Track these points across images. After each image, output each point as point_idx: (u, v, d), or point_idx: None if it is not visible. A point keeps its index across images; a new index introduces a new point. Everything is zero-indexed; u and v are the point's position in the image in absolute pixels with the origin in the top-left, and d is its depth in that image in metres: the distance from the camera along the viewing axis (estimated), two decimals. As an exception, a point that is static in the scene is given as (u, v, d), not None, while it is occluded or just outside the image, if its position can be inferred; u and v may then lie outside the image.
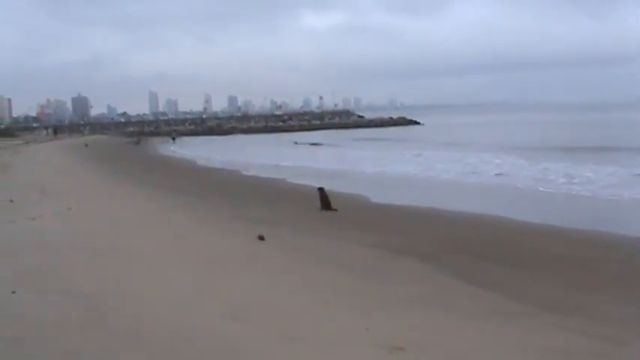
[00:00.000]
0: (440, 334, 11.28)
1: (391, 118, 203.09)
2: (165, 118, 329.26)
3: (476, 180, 40.89)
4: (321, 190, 29.01)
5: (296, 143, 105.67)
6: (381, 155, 68.33)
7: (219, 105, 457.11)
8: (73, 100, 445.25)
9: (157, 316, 11.36)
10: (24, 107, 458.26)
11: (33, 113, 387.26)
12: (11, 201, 26.79)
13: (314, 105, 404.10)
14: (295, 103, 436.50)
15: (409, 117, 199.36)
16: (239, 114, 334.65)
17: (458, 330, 11.68)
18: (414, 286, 15.15)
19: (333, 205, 28.23)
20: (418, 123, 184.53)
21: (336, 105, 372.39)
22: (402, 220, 25.58)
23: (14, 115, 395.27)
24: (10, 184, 35.29)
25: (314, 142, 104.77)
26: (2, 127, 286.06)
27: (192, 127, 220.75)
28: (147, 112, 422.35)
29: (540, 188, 35.52)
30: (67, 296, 12.35)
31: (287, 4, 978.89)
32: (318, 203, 28.46)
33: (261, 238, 20.27)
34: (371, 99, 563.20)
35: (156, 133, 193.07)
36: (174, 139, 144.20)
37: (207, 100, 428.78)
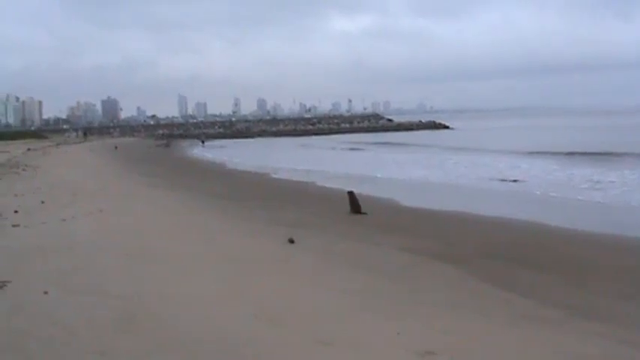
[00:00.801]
0: (472, 339, 11.20)
1: (420, 121, 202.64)
2: (195, 120, 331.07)
3: (505, 184, 40.58)
4: (350, 193, 28.94)
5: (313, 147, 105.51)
6: (410, 159, 68.23)
7: (249, 108, 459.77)
8: (103, 102, 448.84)
9: (188, 318, 11.39)
10: (54, 109, 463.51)
11: (63, 115, 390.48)
12: (42, 202, 26.95)
13: (343, 108, 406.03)
14: (324, 107, 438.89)
15: (438, 121, 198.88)
16: (268, 117, 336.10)
17: (490, 335, 11.60)
18: (446, 291, 15.05)
19: (363, 209, 28.14)
20: (447, 127, 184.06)
21: (365, 108, 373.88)
22: (433, 224, 25.45)
23: (45, 117, 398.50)
24: (42, 185, 35.49)
25: (343, 145, 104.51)
26: (33, 128, 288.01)
27: (222, 130, 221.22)
28: (176, 114, 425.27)
29: (571, 194, 35.20)
30: (98, 297, 12.41)
31: (316, 8, 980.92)
32: (347, 206, 28.39)
33: (292, 241, 20.26)
34: (400, 103, 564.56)
35: (185, 136, 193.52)
36: (203, 142, 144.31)
37: (237, 103, 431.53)
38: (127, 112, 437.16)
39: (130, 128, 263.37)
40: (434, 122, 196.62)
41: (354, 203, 28.38)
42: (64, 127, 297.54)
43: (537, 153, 65.99)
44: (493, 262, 18.51)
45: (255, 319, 11.54)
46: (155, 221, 24.07)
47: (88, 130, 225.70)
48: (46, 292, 12.53)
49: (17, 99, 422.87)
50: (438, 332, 11.39)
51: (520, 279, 16.67)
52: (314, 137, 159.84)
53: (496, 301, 14.42)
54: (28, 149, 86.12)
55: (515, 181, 41.62)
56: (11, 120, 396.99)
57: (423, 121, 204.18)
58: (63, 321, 10.84)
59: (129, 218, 24.04)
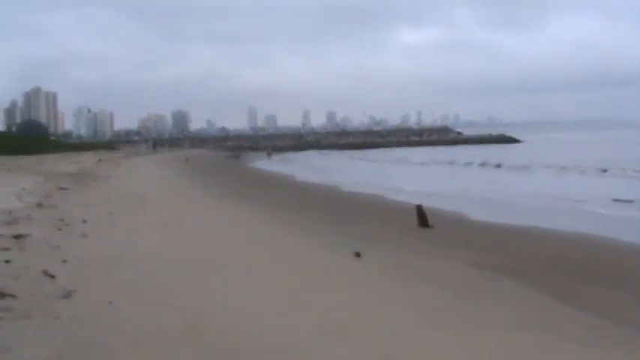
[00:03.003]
0: (537, 356, 11.01)
1: (490, 134, 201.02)
2: (264, 133, 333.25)
3: (573, 199, 39.89)
4: (419, 207, 28.73)
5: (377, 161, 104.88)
6: (477, 174, 67.79)
7: (318, 120, 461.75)
8: (173, 114, 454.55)
9: (250, 330, 11.37)
10: (125, 121, 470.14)
11: (134, 127, 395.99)
12: (111, 213, 27.18)
13: (412, 121, 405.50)
14: (393, 120, 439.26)
15: (508, 134, 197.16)
16: (337, 130, 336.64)
17: (555, 353, 11.39)
18: (511, 307, 14.80)
19: (431, 223, 27.93)
20: (517, 140, 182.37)
21: (434, 121, 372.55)
22: (501, 238, 25.08)
23: (116, 128, 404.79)
24: (111, 196, 35.85)
25: (412, 160, 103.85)
26: (104, 139, 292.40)
27: (291, 142, 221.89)
28: (246, 127, 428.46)
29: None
30: (162, 308, 12.43)
31: (384, 20, 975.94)
32: (415, 220, 28.19)
33: (358, 254, 20.15)
34: (470, 115, 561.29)
35: (254, 148, 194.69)
36: (269, 154, 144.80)
37: (306, 116, 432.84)
38: (196, 124, 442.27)
39: (199, 140, 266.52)
40: (503, 135, 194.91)
41: (422, 217, 28.17)
42: (135, 138, 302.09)
43: (609, 167, 64.51)
44: (561, 278, 18.14)
45: (318, 333, 11.46)
46: (221, 233, 24.15)
47: (158, 142, 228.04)
48: (110, 302, 12.58)
49: (89, 110, 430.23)
50: (504, 350, 11.21)
51: (589, 295, 16.31)
52: (383, 150, 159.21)
53: (564, 319, 14.13)
54: (99, 160, 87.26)
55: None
56: (83, 131, 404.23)
57: (493, 134, 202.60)
58: (126, 331, 10.86)
59: (195, 229, 24.14)
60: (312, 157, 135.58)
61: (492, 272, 18.53)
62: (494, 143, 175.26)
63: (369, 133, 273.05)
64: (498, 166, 76.58)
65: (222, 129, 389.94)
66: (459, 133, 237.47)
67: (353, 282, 16.61)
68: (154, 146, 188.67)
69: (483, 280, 17.69)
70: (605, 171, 61.61)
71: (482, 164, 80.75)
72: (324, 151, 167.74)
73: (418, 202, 29.94)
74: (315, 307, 13.41)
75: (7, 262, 15.49)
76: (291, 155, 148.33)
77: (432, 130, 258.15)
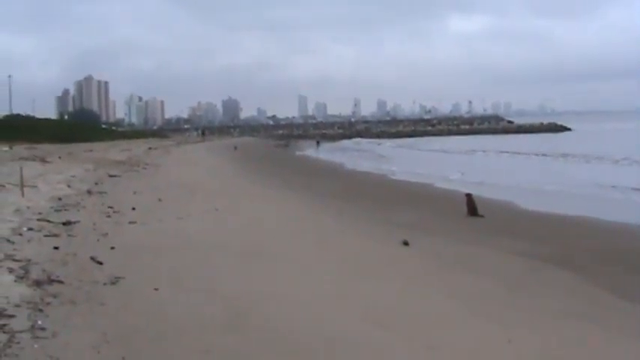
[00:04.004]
0: (588, 350, 10.83)
1: (541, 123, 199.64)
2: (314, 121, 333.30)
3: (625, 190, 39.32)
4: (468, 195, 28.51)
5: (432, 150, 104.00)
6: (528, 163, 67.22)
7: (368, 109, 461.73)
8: (224, 102, 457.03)
9: (296, 319, 11.33)
10: (176, 109, 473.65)
11: (184, 115, 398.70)
12: (160, 200, 27.28)
13: (463, 110, 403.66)
14: (444, 108, 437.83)
15: (559, 122, 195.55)
16: (388, 118, 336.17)
17: (608, 347, 11.19)
18: (563, 298, 14.58)
19: (480, 212, 27.70)
20: (568, 129, 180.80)
21: (485, 110, 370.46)
22: (551, 228, 24.76)
23: (166, 116, 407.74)
24: (160, 183, 35.99)
25: (462, 149, 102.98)
26: (155, 127, 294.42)
27: (341, 130, 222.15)
28: (296, 115, 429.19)
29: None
30: (208, 295, 12.44)
31: (434, 9, 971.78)
32: (464, 209, 27.98)
33: (406, 243, 20.02)
34: (521, 104, 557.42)
35: (304, 136, 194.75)
36: (318, 143, 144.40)
37: (356, 104, 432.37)
38: (247, 112, 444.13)
39: (249, 128, 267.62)
40: (554, 124, 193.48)
41: (472, 206, 27.94)
42: (185, 126, 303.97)
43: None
44: (615, 270, 17.81)
45: (365, 322, 11.38)
46: (269, 220, 24.11)
47: (208, 130, 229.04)
48: (156, 289, 12.60)
49: (140, 99, 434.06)
50: (552, 342, 11.03)
51: (642, 288, 16.04)
52: (432, 139, 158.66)
53: (616, 312, 13.89)
54: (149, 148, 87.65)
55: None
56: (134, 119, 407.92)
57: (544, 123, 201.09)
58: (172, 318, 10.86)
59: (243, 217, 24.14)
60: (361, 145, 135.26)
61: (542, 262, 18.30)
62: (545, 132, 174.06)
63: (419, 121, 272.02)
64: (550, 155, 75.76)
65: (273, 117, 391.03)
66: (510, 121, 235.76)
67: (400, 271, 16.51)
68: (203, 134, 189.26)
69: (533, 270, 17.46)
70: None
71: (534, 153, 79.98)
72: (374, 140, 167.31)
73: (468, 191, 29.73)
74: (362, 296, 13.34)
75: (55, 248, 15.62)
76: (341, 144, 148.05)
77: (482, 119, 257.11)
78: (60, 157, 44.01)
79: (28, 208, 21.12)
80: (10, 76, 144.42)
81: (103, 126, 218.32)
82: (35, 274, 12.69)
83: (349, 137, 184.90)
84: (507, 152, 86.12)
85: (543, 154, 76.86)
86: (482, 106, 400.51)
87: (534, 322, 12.32)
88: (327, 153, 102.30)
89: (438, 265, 17.51)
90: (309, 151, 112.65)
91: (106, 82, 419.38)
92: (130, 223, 20.93)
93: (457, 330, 11.29)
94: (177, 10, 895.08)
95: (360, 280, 14.97)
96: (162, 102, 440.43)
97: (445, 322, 11.72)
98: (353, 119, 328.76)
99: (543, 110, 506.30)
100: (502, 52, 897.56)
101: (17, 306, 10.42)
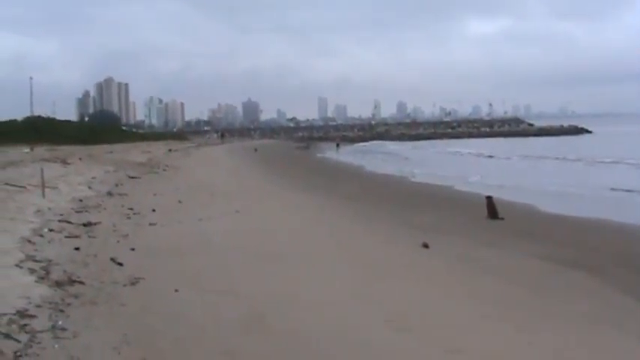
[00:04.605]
0: (609, 354, 10.78)
1: (562, 126, 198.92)
2: (334, 123, 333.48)
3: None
4: (489, 198, 28.42)
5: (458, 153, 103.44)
6: (549, 166, 67.00)
7: (388, 111, 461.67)
8: (244, 104, 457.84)
9: (316, 321, 11.34)
10: (196, 111, 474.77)
11: (204, 117, 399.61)
12: (180, 202, 27.38)
13: (483, 112, 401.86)
14: (464, 110, 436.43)
15: (580, 125, 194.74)
16: (408, 120, 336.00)
17: (628, 351, 11.13)
18: (583, 302, 14.48)
19: (501, 214, 27.61)
20: (589, 132, 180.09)
21: (505, 112, 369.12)
22: (572, 231, 24.61)
23: (186, 118, 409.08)
24: (180, 185, 36.13)
25: (483, 151, 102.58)
26: (175, 129, 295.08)
27: (361, 133, 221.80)
28: (316, 117, 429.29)
29: None
30: (228, 297, 12.49)
31: (453, 11, 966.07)
32: (484, 211, 27.89)
33: (426, 245, 19.97)
34: (541, 106, 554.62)
35: (324, 139, 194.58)
36: (338, 145, 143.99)
37: (376, 106, 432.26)
38: (267, 114, 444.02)
39: (269, 130, 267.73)
40: (575, 127, 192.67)
41: (492, 208, 27.86)
42: (205, 128, 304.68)
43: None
44: (635, 273, 17.67)
45: (385, 325, 11.36)
46: (289, 223, 24.15)
47: (228, 132, 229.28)
48: (176, 291, 12.66)
49: (160, 101, 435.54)
50: (573, 346, 10.98)
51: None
52: (452, 141, 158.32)
53: (637, 315, 13.82)
54: (169, 150, 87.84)
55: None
56: (154, 121, 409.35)
57: (564, 125, 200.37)
58: (191, 320, 10.92)
59: (263, 219, 24.18)
60: (381, 147, 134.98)
61: (563, 266, 18.18)
62: (565, 135, 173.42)
63: (439, 124, 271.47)
64: (571, 158, 75.39)
65: (293, 119, 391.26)
66: (530, 124, 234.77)
67: (421, 273, 16.47)
68: (222, 136, 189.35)
69: (554, 273, 17.37)
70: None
71: (554, 156, 79.61)
72: (395, 142, 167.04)
73: (488, 194, 29.64)
74: (382, 299, 13.32)
75: (76, 249, 15.75)
76: (361, 146, 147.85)
77: (502, 122, 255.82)
78: (80, 159, 44.16)
79: (49, 209, 21.26)
80: (31, 78, 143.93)
81: (123, 128, 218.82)
82: (56, 274, 12.78)
83: (369, 139, 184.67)
84: (527, 155, 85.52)
85: (564, 158, 76.39)
86: (502, 109, 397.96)
87: (555, 325, 12.26)
88: (347, 155, 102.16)
89: (458, 268, 17.45)
90: (329, 153, 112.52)
91: (126, 84, 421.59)
92: (150, 224, 21.06)
93: (478, 333, 11.25)
94: (198, 13, 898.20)
95: (381, 282, 14.95)
96: (182, 104, 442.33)
97: (466, 325, 11.69)
98: (373, 121, 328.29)
99: (564, 113, 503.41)
100: (522, 54, 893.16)
101: (38, 306, 10.49)
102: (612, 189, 40.62)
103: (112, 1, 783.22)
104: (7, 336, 9.02)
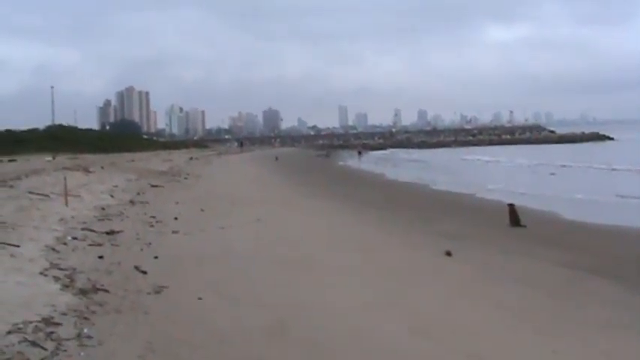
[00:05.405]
0: (632, 360, 10.73)
1: (583, 133, 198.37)
2: (355, 131, 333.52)
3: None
4: (511, 205, 28.34)
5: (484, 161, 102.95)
6: (571, 173, 66.74)
7: (409, 119, 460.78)
8: (264, 113, 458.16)
9: (341, 329, 11.34)
10: (216, 120, 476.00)
11: (225, 125, 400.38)
12: (202, 210, 27.45)
13: (504, 119, 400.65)
14: (485, 118, 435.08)
15: (602, 132, 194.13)
16: (428, 128, 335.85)
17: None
18: (608, 309, 14.38)
19: (523, 222, 27.52)
20: (611, 138, 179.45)
21: (526, 120, 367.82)
22: (597, 239, 24.42)
23: (207, 127, 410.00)
24: (202, 194, 36.23)
25: (504, 159, 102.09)
26: (195, 138, 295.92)
27: (382, 140, 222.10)
28: (336, 125, 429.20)
29: None
30: (251, 305, 12.53)
31: (472, 18, 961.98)
32: (506, 219, 27.80)
33: (448, 253, 19.93)
34: (562, 113, 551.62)
35: (345, 147, 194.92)
36: (360, 153, 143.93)
37: (397, 114, 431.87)
38: (287, 122, 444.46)
39: (290, 138, 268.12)
40: (597, 134, 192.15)
41: (514, 216, 27.76)
42: (226, 137, 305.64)
43: None
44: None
45: (410, 332, 11.36)
46: (311, 231, 24.17)
47: (248, 140, 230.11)
48: (200, 299, 12.70)
49: (181, 109, 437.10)
50: (598, 354, 10.94)
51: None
52: (473, 149, 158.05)
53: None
54: (190, 158, 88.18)
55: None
56: (175, 130, 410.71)
57: (586, 132, 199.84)
58: (215, 328, 10.94)
59: (285, 227, 24.21)
60: (402, 155, 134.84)
61: (586, 273, 18.10)
62: (587, 141, 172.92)
63: (460, 131, 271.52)
64: (593, 165, 74.97)
65: (314, 127, 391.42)
66: (552, 131, 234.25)
67: (444, 281, 16.42)
68: (241, 145, 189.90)
69: (577, 280, 17.29)
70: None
71: (576, 163, 79.20)
72: (415, 150, 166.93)
73: (510, 201, 29.55)
74: (405, 306, 13.33)
75: (100, 257, 15.81)
76: (382, 154, 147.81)
77: (524, 129, 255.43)
78: (102, 167, 44.37)
79: (72, 217, 21.36)
80: (52, 87, 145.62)
81: (144, 136, 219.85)
82: (80, 282, 12.85)
83: (390, 147, 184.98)
84: (549, 163, 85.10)
85: (586, 165, 75.96)
86: (523, 116, 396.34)
87: (579, 332, 12.23)
88: (368, 163, 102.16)
89: (481, 276, 17.41)
90: (351, 161, 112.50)
91: (147, 93, 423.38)
92: (173, 232, 21.13)
93: (502, 340, 11.25)
94: (219, 21, 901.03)
95: (404, 290, 14.95)
96: (202, 112, 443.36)
97: (489, 333, 11.68)
98: (394, 129, 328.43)
99: (585, 119, 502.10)
100: (543, 61, 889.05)
101: (64, 314, 10.56)
102: (635, 197, 40.40)
103: (134, 9, 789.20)
104: (34, 344, 9.08)
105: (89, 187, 30.76)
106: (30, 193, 24.42)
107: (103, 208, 25.14)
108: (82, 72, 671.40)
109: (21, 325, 9.69)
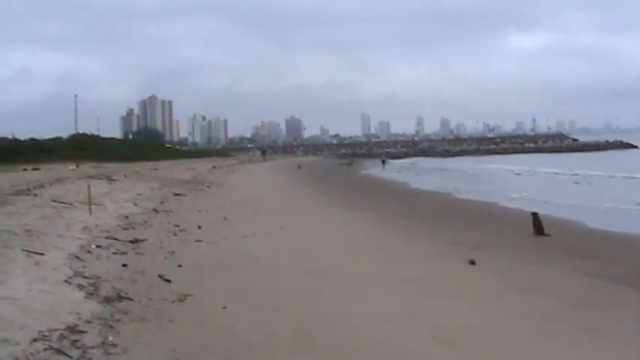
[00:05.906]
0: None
1: (607, 141, 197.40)
2: (377, 140, 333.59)
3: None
4: (534, 214, 28.18)
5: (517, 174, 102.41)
6: (595, 182, 66.40)
7: (432, 127, 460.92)
8: (287, 121, 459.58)
9: (365, 338, 11.33)
10: (239, 128, 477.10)
11: (247, 134, 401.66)
12: (225, 219, 27.48)
13: (527, 128, 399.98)
14: (508, 126, 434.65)
15: (625, 140, 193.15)
16: (451, 136, 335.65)
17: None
18: (633, 320, 14.28)
19: (547, 231, 27.37)
20: (635, 146, 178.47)
21: (549, 128, 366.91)
22: (622, 249, 24.22)
23: (229, 135, 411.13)
24: (225, 202, 36.24)
25: (526, 167, 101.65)
26: (218, 147, 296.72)
27: (404, 149, 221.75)
28: (359, 133, 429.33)
29: None
30: (276, 314, 12.51)
31: (494, 27, 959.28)
32: (530, 228, 27.66)
33: (472, 262, 19.86)
34: (586, 122, 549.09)
35: (368, 155, 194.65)
36: (384, 162, 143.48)
37: (420, 122, 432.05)
38: (310, 131, 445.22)
39: (313, 147, 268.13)
40: (620, 142, 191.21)
41: (538, 225, 27.61)
42: (248, 145, 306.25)
43: None
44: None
45: (434, 342, 11.32)
46: (334, 239, 24.15)
47: (271, 149, 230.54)
48: (224, 307, 12.72)
49: (204, 118, 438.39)
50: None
51: None
52: (496, 157, 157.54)
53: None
54: (213, 167, 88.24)
55: None
56: (198, 138, 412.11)
57: (610, 140, 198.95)
58: (240, 337, 10.96)
59: (309, 236, 24.22)
60: (425, 164, 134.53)
61: (611, 283, 17.95)
62: (610, 150, 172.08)
63: (483, 140, 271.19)
64: (618, 174, 74.56)
65: (336, 136, 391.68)
66: (575, 139, 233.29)
67: (468, 290, 16.37)
68: (264, 154, 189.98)
69: (602, 290, 17.16)
70: None
71: (600, 172, 78.79)
72: (438, 158, 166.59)
73: (533, 210, 29.40)
74: (429, 316, 13.30)
75: (124, 265, 15.86)
76: (404, 162, 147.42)
77: (547, 137, 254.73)
78: (126, 176, 44.52)
79: (96, 225, 21.43)
80: (75, 96, 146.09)
81: (167, 145, 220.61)
82: (105, 291, 12.89)
83: (412, 156, 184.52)
84: (573, 171, 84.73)
85: (610, 173, 75.54)
86: (546, 124, 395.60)
87: (604, 342, 12.15)
88: (391, 172, 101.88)
89: (505, 285, 17.32)
90: (374, 170, 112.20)
91: (170, 102, 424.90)
92: (197, 241, 21.17)
93: (526, 350, 11.20)
94: (241, 30, 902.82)
95: (428, 299, 14.92)
96: (225, 121, 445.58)
97: (514, 342, 11.64)
98: (416, 138, 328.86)
99: (608, 128, 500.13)
100: (565, 69, 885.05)
101: (88, 322, 10.59)
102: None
103: (157, 19, 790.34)
104: (59, 351, 9.11)
105: (112, 196, 30.90)
106: (54, 201, 24.55)
107: (127, 217, 25.22)
108: (105, 81, 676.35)
109: (46, 333, 9.74)
